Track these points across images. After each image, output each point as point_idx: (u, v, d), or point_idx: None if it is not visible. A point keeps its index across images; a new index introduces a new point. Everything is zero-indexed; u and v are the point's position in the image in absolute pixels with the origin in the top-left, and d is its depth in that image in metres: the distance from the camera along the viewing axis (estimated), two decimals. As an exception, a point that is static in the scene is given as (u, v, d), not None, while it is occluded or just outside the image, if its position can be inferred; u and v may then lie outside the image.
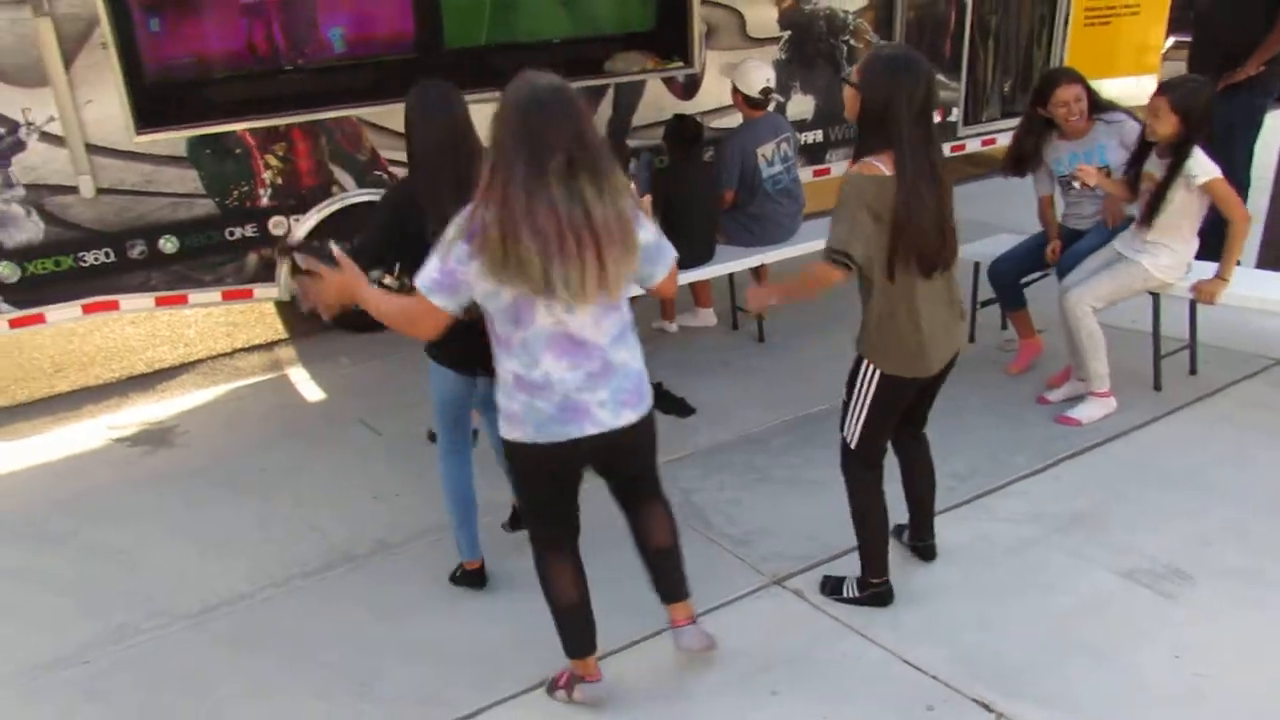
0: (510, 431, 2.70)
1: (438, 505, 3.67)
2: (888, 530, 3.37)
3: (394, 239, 3.25)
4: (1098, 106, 4.77)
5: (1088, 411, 4.57)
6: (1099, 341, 4.51)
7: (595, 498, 2.97)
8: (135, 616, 3.61)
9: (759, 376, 5.30)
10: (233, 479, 4.53)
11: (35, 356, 6.34)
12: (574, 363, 2.59)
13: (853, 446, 3.26)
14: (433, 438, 4.28)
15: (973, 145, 7.85)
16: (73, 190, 4.91)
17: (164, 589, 3.75)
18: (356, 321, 5.98)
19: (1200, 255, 4.57)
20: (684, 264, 2.85)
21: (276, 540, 4.04)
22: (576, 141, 2.42)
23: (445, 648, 3.37)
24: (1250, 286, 4.72)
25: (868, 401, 3.17)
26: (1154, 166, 4.41)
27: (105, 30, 4.79)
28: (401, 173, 4.27)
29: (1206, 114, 4.26)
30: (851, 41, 6.96)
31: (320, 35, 5.58)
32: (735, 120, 5.89)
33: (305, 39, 5.54)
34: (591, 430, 2.64)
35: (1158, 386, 4.82)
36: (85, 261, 5.03)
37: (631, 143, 6.26)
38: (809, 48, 6.82)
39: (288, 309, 6.55)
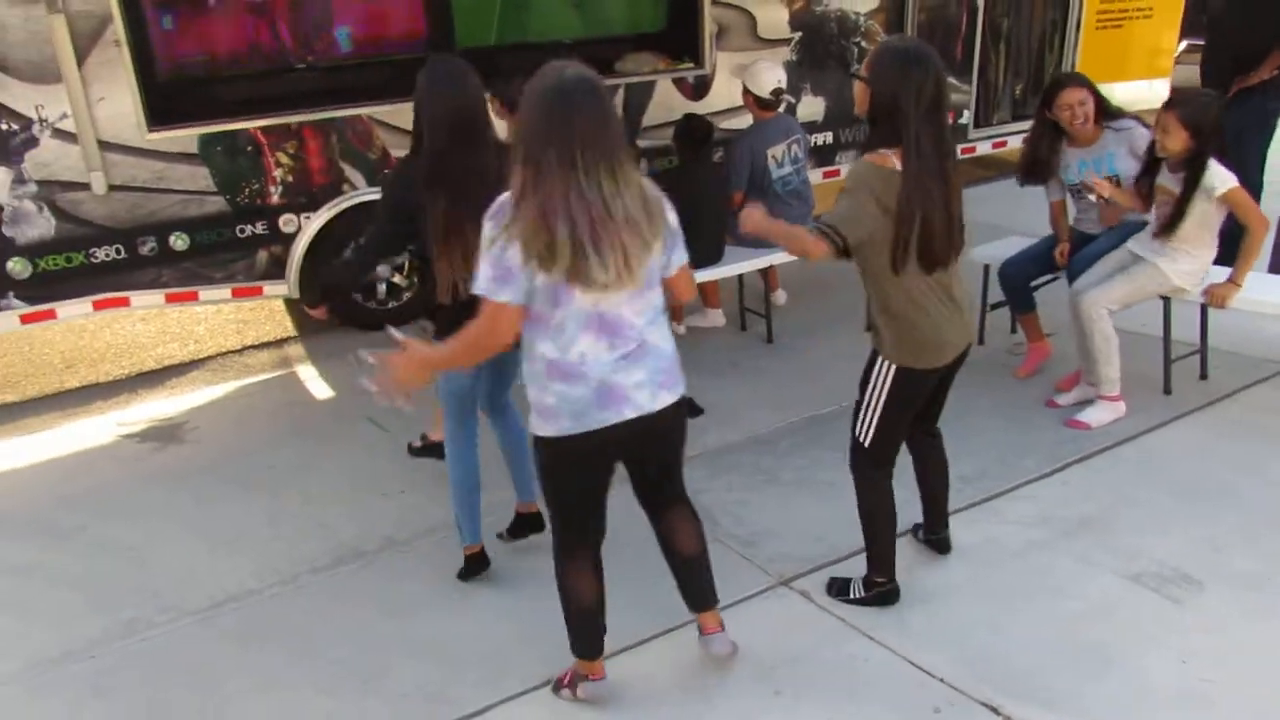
0: (544, 427, 2.65)
1: (445, 503, 3.68)
2: (895, 530, 3.37)
3: (401, 229, 3.26)
4: (1107, 113, 4.74)
5: (1097, 415, 4.56)
6: (1113, 345, 4.49)
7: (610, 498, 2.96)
8: (143, 612, 3.62)
9: (767, 377, 5.30)
10: (242, 476, 4.54)
11: (46, 352, 6.37)
12: (611, 343, 2.57)
13: (865, 444, 3.25)
14: (415, 451, 4.30)
15: (983, 148, 7.83)
16: (85, 187, 4.94)
17: (172, 585, 3.77)
18: (365, 320, 6.01)
19: (1215, 260, 4.56)
20: (692, 264, 2.84)
21: (285, 537, 4.05)
22: (603, 131, 2.43)
23: (451, 645, 3.37)
24: (1262, 291, 4.69)
25: (883, 398, 3.15)
26: (1167, 180, 4.40)
27: (118, 28, 4.81)
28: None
29: (1216, 128, 4.25)
30: (863, 43, 6.96)
31: (331, 34, 5.59)
32: (745, 121, 5.90)
33: (316, 38, 5.55)
34: (630, 414, 2.61)
35: (1168, 391, 4.81)
36: (96, 258, 5.06)
37: (641, 143, 6.26)
38: (820, 49, 6.82)
39: (297, 307, 6.57)
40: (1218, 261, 4.56)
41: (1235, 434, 4.44)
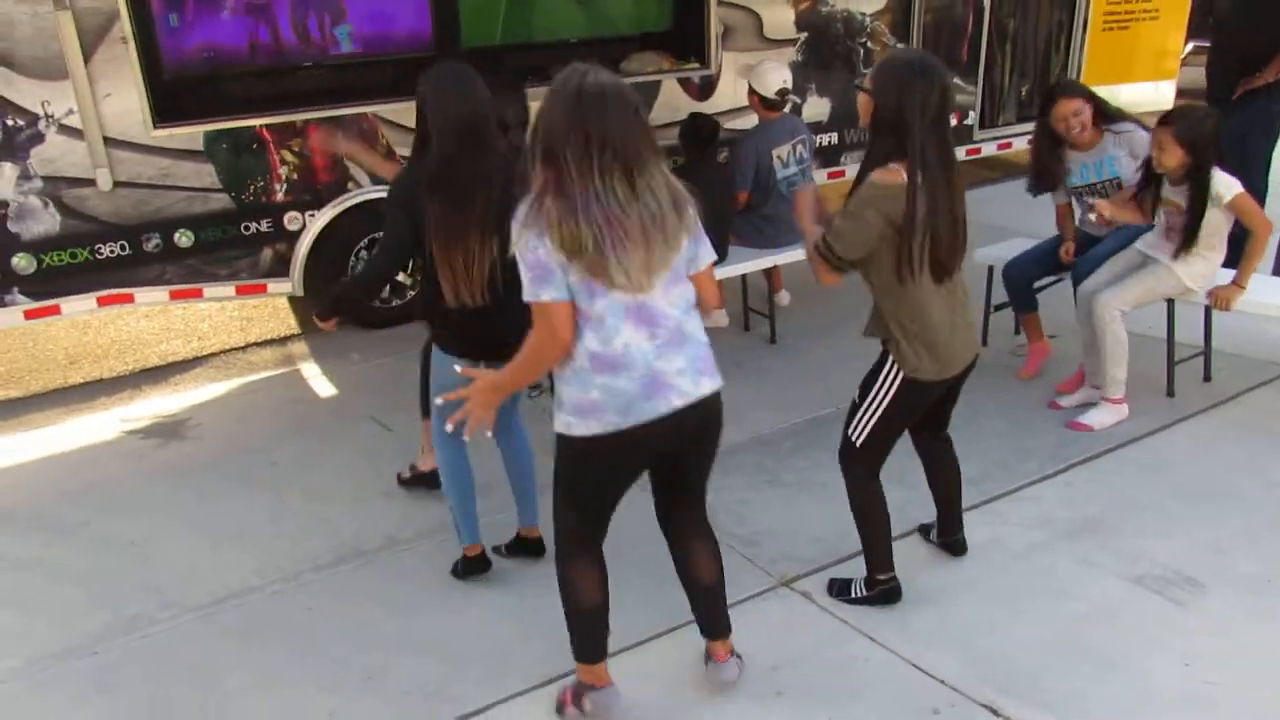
0: (585, 425, 2.58)
1: (446, 502, 3.68)
2: (889, 526, 3.36)
3: (411, 238, 3.25)
4: (1106, 116, 4.74)
5: (1100, 417, 4.55)
6: (1123, 348, 4.49)
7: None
8: (146, 608, 3.63)
9: (770, 378, 5.30)
10: (244, 473, 4.55)
11: (49, 348, 6.38)
12: (651, 332, 2.55)
13: (857, 445, 3.25)
14: (404, 482, 4.29)
15: (989, 149, 7.84)
16: (90, 183, 4.95)
17: (175, 581, 3.77)
18: (368, 318, 6.02)
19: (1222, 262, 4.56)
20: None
21: (287, 534, 4.06)
22: (626, 133, 2.42)
23: (453, 644, 3.37)
24: (1266, 294, 4.69)
25: (884, 403, 3.15)
26: (1171, 192, 4.41)
27: (125, 24, 4.82)
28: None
29: (1212, 144, 4.24)
30: (868, 44, 6.95)
31: (338, 32, 5.59)
32: (751, 121, 5.90)
33: (323, 36, 5.56)
34: (678, 403, 2.58)
35: (1171, 393, 4.80)
36: (101, 254, 5.07)
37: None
38: (826, 50, 6.82)
39: (300, 304, 6.58)
40: (1223, 264, 4.55)
41: (1239, 436, 4.43)
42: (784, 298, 6.18)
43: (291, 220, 5.50)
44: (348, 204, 5.61)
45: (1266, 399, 4.78)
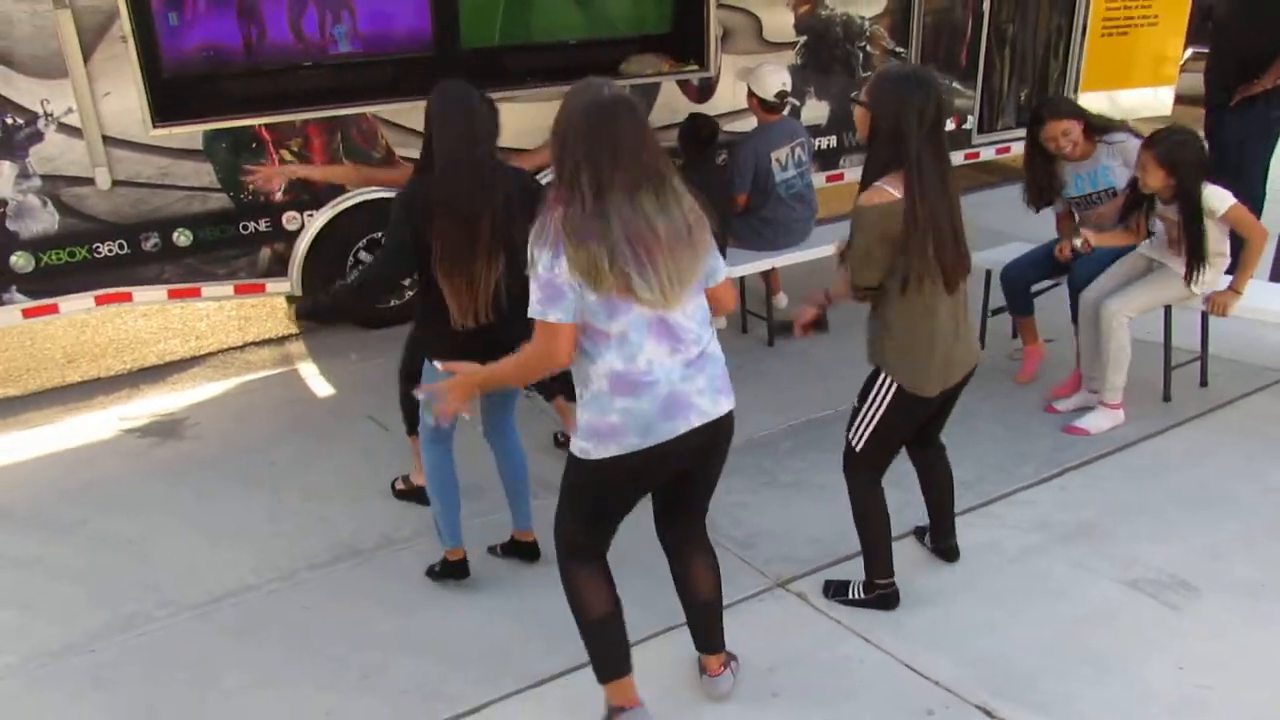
0: (605, 449, 2.55)
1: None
2: (890, 532, 3.37)
3: (410, 252, 3.24)
4: (1096, 128, 4.74)
5: (1096, 422, 4.56)
6: (1127, 355, 4.50)
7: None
8: (143, 606, 3.63)
9: (768, 380, 5.31)
10: (242, 472, 4.55)
11: (47, 347, 6.38)
12: (673, 348, 2.53)
13: (857, 450, 3.26)
14: (399, 494, 4.29)
15: (987, 154, 7.85)
16: (89, 182, 4.95)
17: (172, 579, 3.78)
18: (367, 317, 6.02)
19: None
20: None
21: (284, 533, 4.06)
22: (643, 148, 2.41)
23: (450, 643, 3.38)
24: (1263, 299, 4.71)
25: (880, 413, 3.17)
26: (1165, 210, 4.43)
27: (124, 23, 4.82)
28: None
29: (1195, 168, 4.25)
30: (868, 47, 6.96)
31: (337, 32, 5.60)
32: (750, 124, 5.90)
33: (322, 35, 5.56)
34: (697, 422, 2.58)
35: (1167, 398, 4.81)
36: (99, 253, 5.07)
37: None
38: (825, 53, 6.83)
39: (299, 303, 6.59)
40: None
41: (1235, 441, 4.44)
42: (782, 300, 6.18)
43: (290, 220, 5.50)
44: (346, 204, 5.61)
45: (1263, 404, 4.80)
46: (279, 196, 5.43)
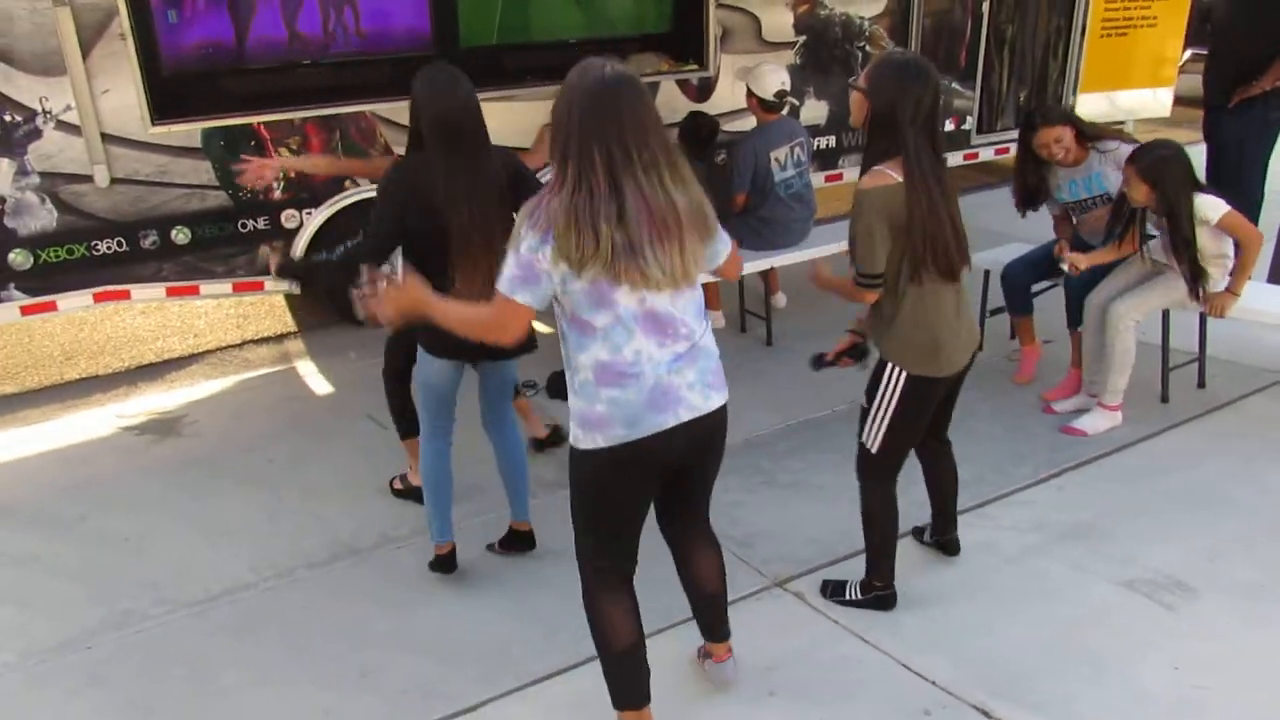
0: (592, 439, 2.51)
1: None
2: (895, 536, 3.37)
3: (398, 231, 3.25)
4: (1087, 135, 4.74)
5: (1094, 423, 4.57)
6: (1130, 358, 4.51)
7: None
8: (140, 603, 3.63)
9: (766, 380, 5.31)
10: (240, 470, 4.55)
11: (46, 344, 6.37)
12: (661, 341, 2.47)
13: (873, 451, 3.24)
14: (397, 493, 4.29)
15: (986, 154, 7.85)
16: (87, 179, 4.95)
17: (170, 577, 3.78)
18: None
19: None
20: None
21: (282, 532, 4.06)
22: (643, 128, 2.34)
23: (448, 641, 3.38)
24: (1261, 301, 4.71)
25: (893, 405, 3.15)
26: (1158, 220, 4.43)
27: (123, 21, 4.82)
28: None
29: (1179, 179, 4.25)
30: (867, 47, 6.97)
31: (336, 30, 5.60)
32: (749, 123, 5.90)
33: (321, 34, 5.56)
34: (686, 416, 2.52)
35: (1165, 399, 4.82)
36: (98, 250, 5.06)
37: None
38: (824, 53, 6.83)
39: (298, 302, 6.59)
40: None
41: (1232, 443, 4.45)
42: (780, 300, 6.19)
43: (289, 218, 5.50)
44: (344, 202, 5.61)
45: (1261, 406, 4.80)
46: (277, 194, 5.43)
